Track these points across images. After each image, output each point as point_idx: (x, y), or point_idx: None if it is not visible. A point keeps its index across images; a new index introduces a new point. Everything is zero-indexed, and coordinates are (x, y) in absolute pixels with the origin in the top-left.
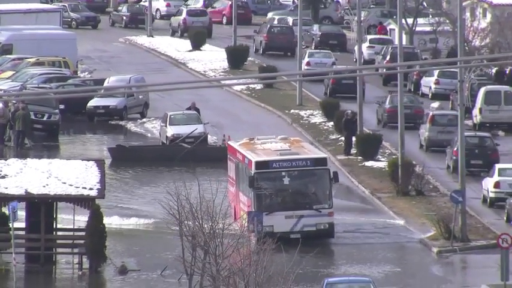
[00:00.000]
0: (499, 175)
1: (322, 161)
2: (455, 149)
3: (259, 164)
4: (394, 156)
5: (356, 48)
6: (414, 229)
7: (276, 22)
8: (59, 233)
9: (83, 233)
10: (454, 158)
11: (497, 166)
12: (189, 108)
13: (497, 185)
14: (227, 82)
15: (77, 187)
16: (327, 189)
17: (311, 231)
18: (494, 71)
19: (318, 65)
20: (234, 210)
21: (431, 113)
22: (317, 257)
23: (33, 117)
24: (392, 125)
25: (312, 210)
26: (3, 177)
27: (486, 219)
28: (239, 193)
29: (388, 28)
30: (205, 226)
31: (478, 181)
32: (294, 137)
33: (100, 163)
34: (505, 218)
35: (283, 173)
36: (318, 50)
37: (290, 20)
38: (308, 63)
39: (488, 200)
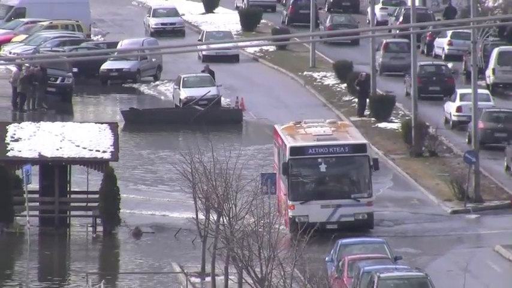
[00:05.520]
0: (461, 100)
1: (362, 147)
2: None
3: (294, 150)
4: (407, 118)
5: (369, 9)
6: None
7: None
8: (73, 196)
9: (97, 196)
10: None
11: (459, 91)
12: (203, 71)
13: (459, 109)
14: (240, 44)
15: (90, 150)
16: (366, 177)
17: (349, 222)
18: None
19: None
20: (278, 199)
21: (384, 41)
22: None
23: None
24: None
25: (349, 199)
26: (16, 140)
27: (450, 140)
28: (280, 180)
29: None
30: (219, 188)
31: (439, 105)
32: (342, 121)
33: (113, 126)
34: (466, 140)
35: (320, 160)
36: None
37: None
38: None
39: (451, 122)
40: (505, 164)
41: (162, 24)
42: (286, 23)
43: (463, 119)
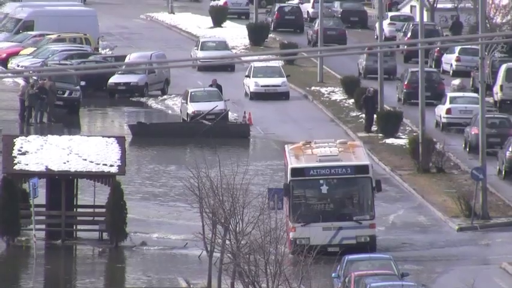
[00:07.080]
0: (451, 102)
1: (364, 169)
2: (405, 82)
3: (295, 171)
4: (414, 134)
5: (377, 25)
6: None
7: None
8: (80, 210)
9: (103, 210)
10: (405, 90)
11: (449, 95)
12: (210, 85)
13: (448, 111)
14: (248, 58)
15: (97, 164)
16: (368, 199)
17: (350, 244)
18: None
19: None
20: (287, 221)
21: (368, 44)
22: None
23: None
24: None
25: (351, 221)
26: (24, 153)
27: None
28: (286, 202)
29: (409, 5)
30: (226, 203)
31: (430, 110)
32: (352, 141)
33: (121, 140)
34: (463, 145)
35: (321, 181)
36: None
37: None
38: None
39: (441, 124)
40: (497, 168)
41: None
42: (272, 28)
43: (452, 120)
